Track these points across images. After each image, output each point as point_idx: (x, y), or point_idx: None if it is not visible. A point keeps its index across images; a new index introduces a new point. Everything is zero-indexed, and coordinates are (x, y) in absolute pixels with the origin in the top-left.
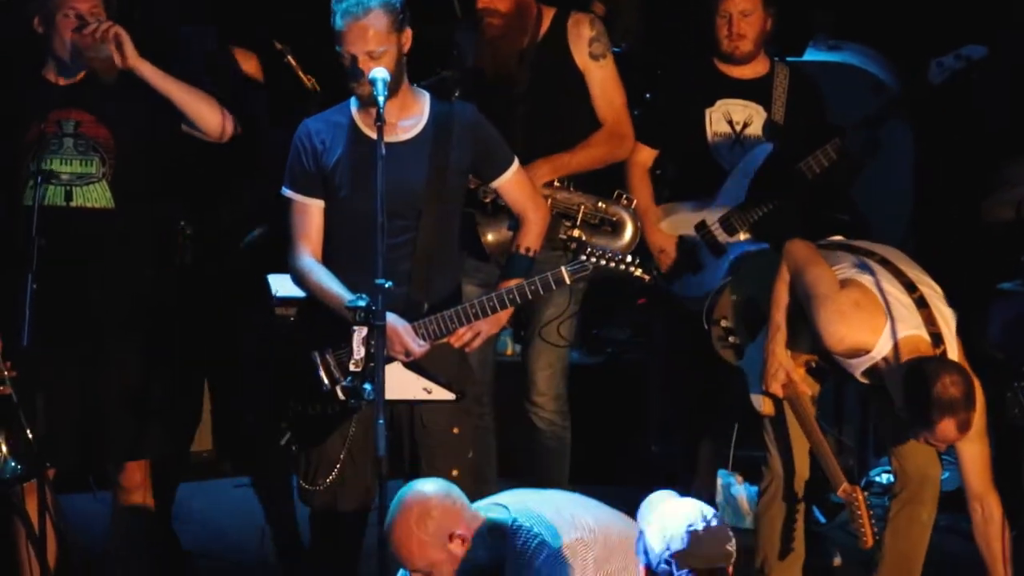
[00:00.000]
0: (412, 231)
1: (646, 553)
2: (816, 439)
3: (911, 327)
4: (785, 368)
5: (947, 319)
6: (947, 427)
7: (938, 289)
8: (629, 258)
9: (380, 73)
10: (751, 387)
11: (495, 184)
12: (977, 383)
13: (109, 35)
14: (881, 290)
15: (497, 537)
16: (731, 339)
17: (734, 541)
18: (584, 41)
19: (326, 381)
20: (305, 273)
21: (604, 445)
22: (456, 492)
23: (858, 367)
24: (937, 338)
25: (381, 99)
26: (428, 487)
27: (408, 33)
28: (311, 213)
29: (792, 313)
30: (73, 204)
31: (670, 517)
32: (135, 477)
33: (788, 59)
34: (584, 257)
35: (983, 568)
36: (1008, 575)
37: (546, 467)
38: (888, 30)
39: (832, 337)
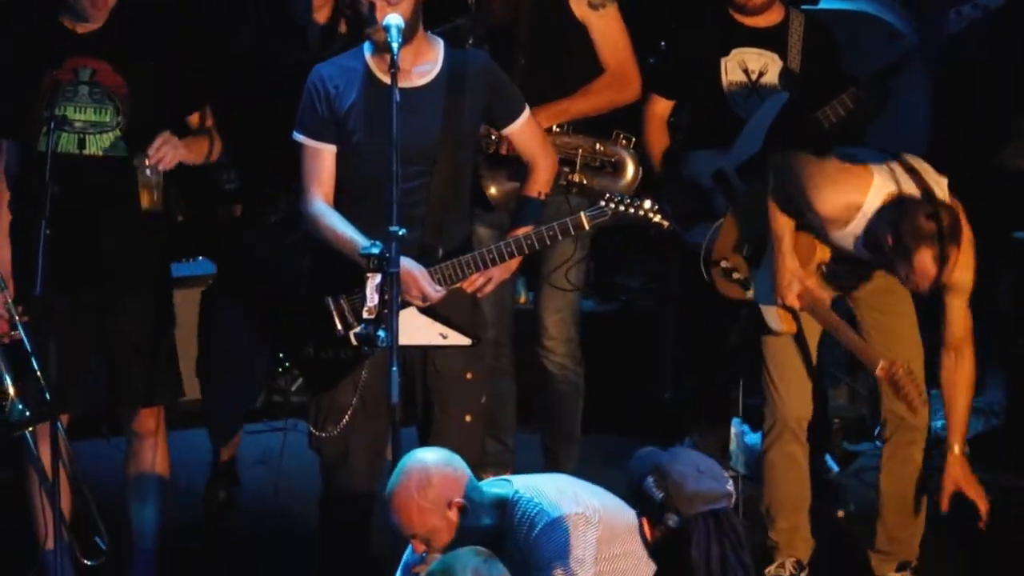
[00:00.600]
0: (426, 177)
1: (647, 502)
2: (847, 336)
3: (900, 183)
4: (797, 277)
5: (939, 182)
6: (924, 258)
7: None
8: (648, 204)
9: (394, 20)
10: (766, 314)
11: (507, 131)
12: (968, 232)
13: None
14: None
15: (500, 509)
16: (734, 276)
17: (731, 483)
18: None
19: (339, 327)
20: (317, 218)
21: (617, 392)
22: (458, 461)
23: (854, 232)
24: (928, 195)
25: (395, 45)
26: (430, 455)
27: None
28: (323, 158)
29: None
30: (86, 152)
31: (665, 466)
32: (149, 423)
33: (803, 7)
34: (603, 203)
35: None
36: (964, 425)
37: (559, 412)
38: None
39: (825, 203)
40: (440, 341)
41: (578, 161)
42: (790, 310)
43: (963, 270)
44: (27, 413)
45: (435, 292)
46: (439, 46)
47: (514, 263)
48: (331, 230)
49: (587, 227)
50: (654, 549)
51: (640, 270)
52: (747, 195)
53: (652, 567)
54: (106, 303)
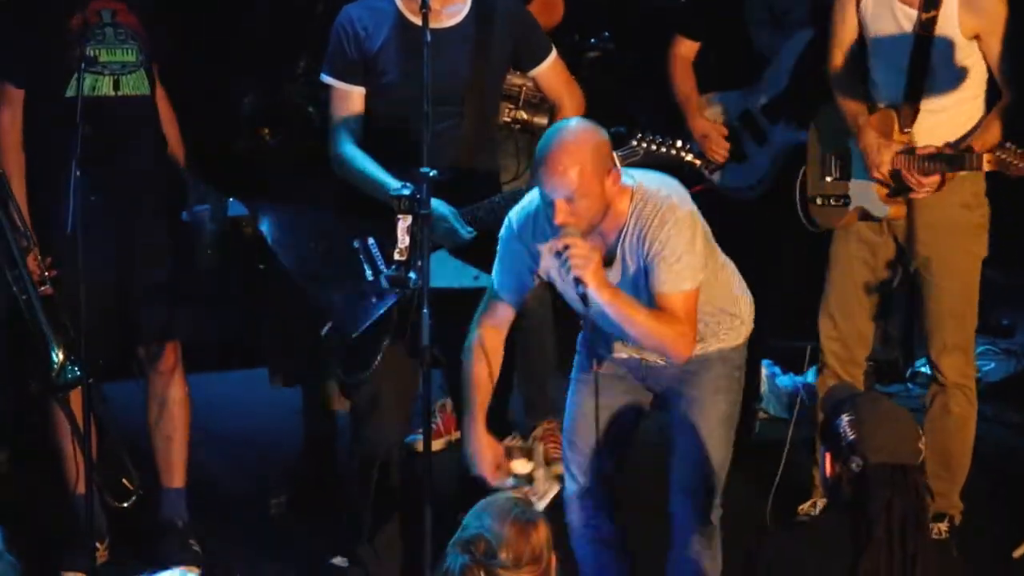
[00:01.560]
0: (456, 118)
1: (836, 440)
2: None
3: None
4: (883, 144)
5: None
6: None
7: None
8: (680, 143)
9: None
10: (869, 204)
11: (533, 72)
12: None
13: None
14: None
15: (627, 197)
16: (832, 202)
17: (923, 440)
18: None
19: (369, 270)
20: (347, 160)
21: None
22: None
23: None
24: None
25: None
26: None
27: None
28: (353, 100)
29: None
30: (121, 92)
31: (863, 408)
32: (169, 360)
33: None
34: (634, 142)
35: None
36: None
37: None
38: None
39: None
40: (473, 283)
41: (520, 98)
42: (895, 190)
43: None
44: (78, 373)
45: (467, 233)
46: None
47: None
48: (360, 172)
49: (618, 166)
50: (830, 483)
51: None
52: (818, 120)
53: None
54: (128, 242)
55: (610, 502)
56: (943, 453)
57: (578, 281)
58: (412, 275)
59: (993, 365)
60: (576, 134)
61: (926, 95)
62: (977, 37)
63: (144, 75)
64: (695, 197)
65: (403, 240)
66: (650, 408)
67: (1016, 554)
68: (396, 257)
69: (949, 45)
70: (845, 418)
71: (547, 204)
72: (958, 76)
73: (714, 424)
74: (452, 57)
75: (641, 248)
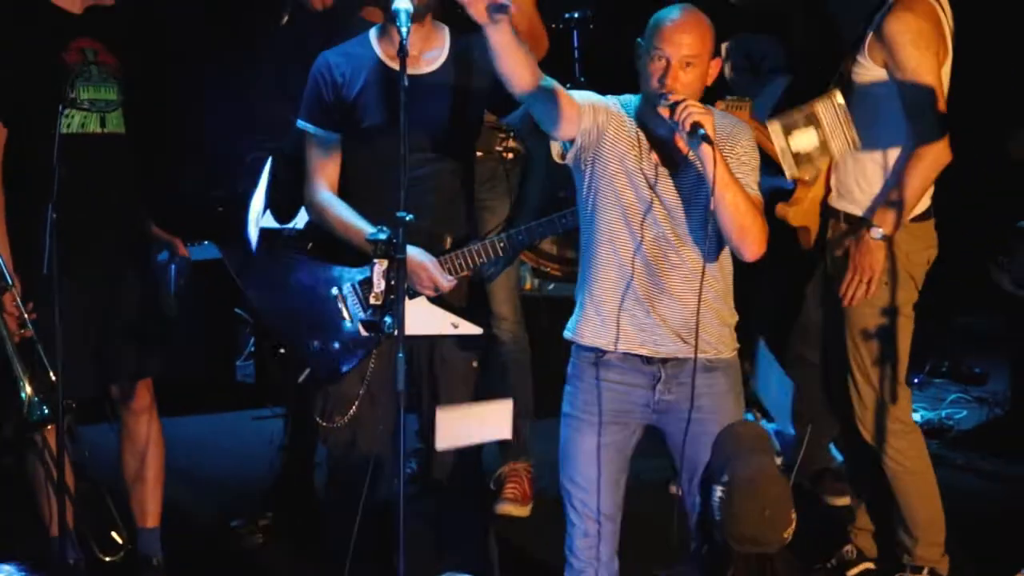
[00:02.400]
0: (436, 164)
1: (707, 506)
2: None
3: None
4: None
5: None
6: None
7: None
8: None
9: (403, 4)
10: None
11: (510, 118)
12: None
13: None
14: None
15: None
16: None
17: (793, 525)
18: None
19: (347, 317)
20: (325, 207)
21: None
22: None
23: None
24: None
25: (404, 30)
26: None
27: None
28: (330, 147)
29: None
30: (107, 130)
31: (738, 487)
32: (143, 399)
33: None
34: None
35: None
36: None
37: (515, 382)
38: None
39: None
40: (452, 331)
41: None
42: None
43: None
44: (47, 412)
45: (447, 282)
46: (444, 31)
47: None
48: (338, 219)
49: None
50: (696, 537)
51: None
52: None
53: None
54: (103, 279)
55: (614, 539)
56: (898, 509)
57: (696, 127)
58: (387, 319)
59: (965, 413)
60: (697, 10)
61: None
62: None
63: (122, 115)
64: None
65: (378, 285)
66: (641, 437)
67: None
68: (371, 302)
69: (863, 73)
70: (718, 492)
71: (660, 65)
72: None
73: None
74: (431, 103)
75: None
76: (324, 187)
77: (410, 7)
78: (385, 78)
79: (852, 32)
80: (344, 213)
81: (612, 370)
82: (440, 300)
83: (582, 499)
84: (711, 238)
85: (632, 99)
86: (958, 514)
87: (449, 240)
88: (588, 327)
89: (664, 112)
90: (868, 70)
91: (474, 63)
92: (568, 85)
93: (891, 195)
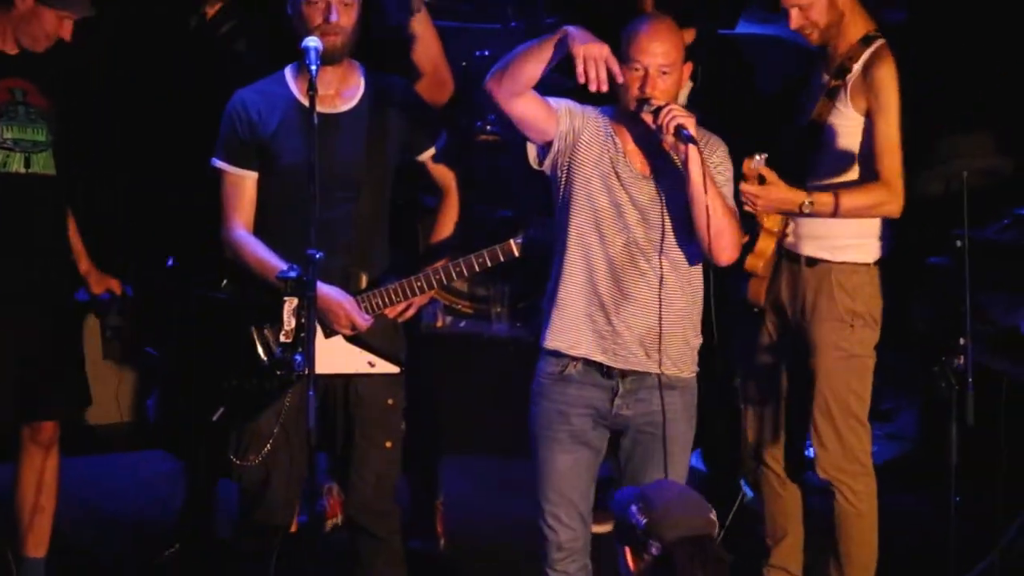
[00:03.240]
0: (351, 203)
1: (630, 531)
2: None
3: None
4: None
5: None
6: None
7: None
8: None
9: (313, 42)
10: None
11: (422, 158)
12: None
13: None
14: None
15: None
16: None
17: (714, 512)
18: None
19: (263, 356)
20: (240, 245)
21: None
22: None
23: None
24: None
25: (313, 68)
26: None
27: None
28: (245, 185)
29: None
30: (31, 170)
31: (650, 494)
32: (49, 432)
33: (720, 31)
34: (532, 230)
35: None
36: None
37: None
38: None
39: None
40: (368, 369)
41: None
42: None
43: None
44: None
45: (363, 320)
46: (360, 71)
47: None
48: (254, 257)
49: (517, 255)
50: None
51: None
52: None
53: None
54: (22, 318)
55: (587, 549)
56: (835, 549)
57: (680, 128)
58: (297, 357)
59: (875, 449)
60: (668, 18)
61: (815, 168)
62: (867, 114)
63: (51, 156)
64: None
65: (289, 322)
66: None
67: None
68: (282, 339)
69: (839, 119)
70: (634, 507)
71: (637, 76)
72: (841, 153)
73: (683, 455)
74: (348, 141)
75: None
76: (239, 225)
77: (320, 45)
78: (300, 116)
79: (769, 81)
80: (259, 251)
81: (572, 385)
82: (357, 339)
83: (554, 514)
84: (682, 248)
85: (606, 108)
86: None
87: (364, 279)
88: (551, 331)
89: (647, 118)
90: (848, 117)
91: (390, 102)
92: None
93: (841, 193)
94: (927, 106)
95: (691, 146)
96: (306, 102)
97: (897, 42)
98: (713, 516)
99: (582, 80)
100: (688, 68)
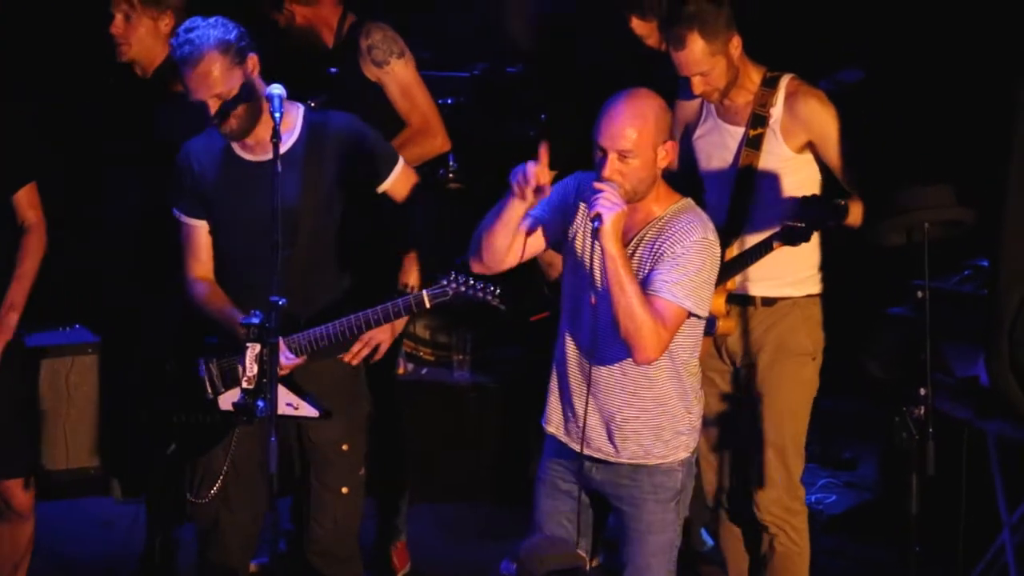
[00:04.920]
0: (289, 247)
1: None
2: None
3: None
4: None
5: None
6: None
7: None
8: (490, 287)
9: (277, 89)
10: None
11: (382, 189)
12: None
13: None
14: None
15: (668, 202)
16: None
17: (583, 549)
18: (364, 52)
19: (209, 390)
20: (196, 294)
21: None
22: None
23: None
24: None
25: (277, 116)
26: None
27: (253, 59)
28: (198, 234)
29: None
30: None
31: (520, 547)
32: (20, 499)
33: None
34: (444, 282)
35: None
36: None
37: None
38: (766, 54)
39: None
40: (289, 412)
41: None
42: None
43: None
44: None
45: (286, 360)
46: (298, 113)
47: (398, 326)
48: (208, 305)
49: (428, 306)
50: None
51: (518, 338)
52: None
53: None
54: None
55: None
56: None
57: (597, 218)
58: (260, 403)
59: (835, 498)
60: (643, 95)
61: (750, 217)
62: (811, 146)
63: None
64: (538, 323)
65: (251, 368)
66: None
67: None
68: (244, 385)
69: (775, 163)
70: (506, 561)
71: (600, 157)
72: (783, 196)
73: (651, 534)
74: (280, 187)
75: (654, 247)
76: (195, 273)
77: (283, 92)
78: (233, 167)
79: None
80: (214, 300)
81: (554, 442)
82: (290, 380)
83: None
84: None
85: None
86: None
87: (303, 320)
88: (547, 401)
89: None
90: (781, 159)
91: (327, 142)
92: None
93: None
94: (888, 157)
95: (603, 240)
96: (240, 152)
97: (854, 98)
98: (581, 552)
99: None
100: (670, 147)
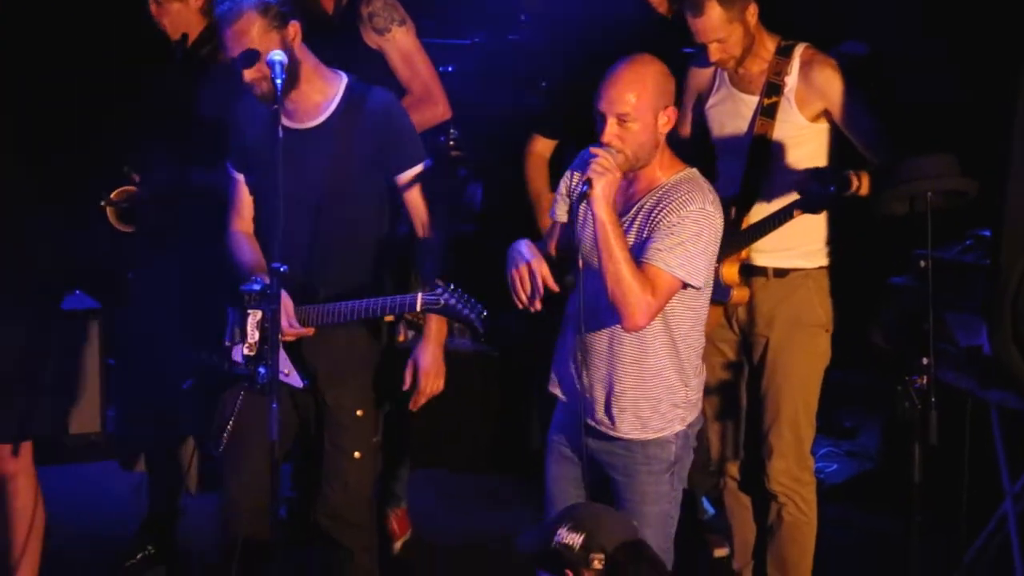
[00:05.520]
0: (313, 217)
1: (567, 553)
2: None
3: None
4: None
5: None
6: None
7: None
8: (480, 307)
9: (278, 56)
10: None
11: (397, 178)
12: None
13: None
14: None
15: (672, 169)
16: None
17: None
18: (365, 19)
19: (228, 336)
20: (230, 244)
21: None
22: None
23: None
24: None
25: (279, 82)
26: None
27: (295, 27)
28: (240, 188)
29: None
30: None
31: (574, 513)
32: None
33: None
34: (440, 290)
35: None
36: None
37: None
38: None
39: None
40: (280, 378)
41: None
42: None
43: None
44: None
45: (290, 327)
46: (340, 84)
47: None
48: (237, 255)
49: (419, 309)
50: None
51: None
52: None
53: None
54: None
55: None
56: (779, 558)
57: (587, 183)
58: (261, 370)
59: (836, 467)
60: (643, 60)
61: (764, 186)
62: (826, 115)
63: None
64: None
65: (252, 335)
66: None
67: None
68: (245, 352)
69: (789, 131)
70: (563, 529)
71: (599, 122)
72: (798, 165)
73: (644, 505)
74: (307, 157)
75: (652, 215)
76: (233, 224)
77: (284, 58)
78: (270, 127)
79: None
80: (237, 254)
81: (560, 407)
82: (294, 348)
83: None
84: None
85: None
86: (829, 568)
87: (321, 293)
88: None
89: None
90: (796, 127)
91: (363, 118)
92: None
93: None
94: (891, 127)
95: (593, 202)
96: (282, 117)
97: (861, 70)
98: (635, 523)
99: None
100: (671, 112)
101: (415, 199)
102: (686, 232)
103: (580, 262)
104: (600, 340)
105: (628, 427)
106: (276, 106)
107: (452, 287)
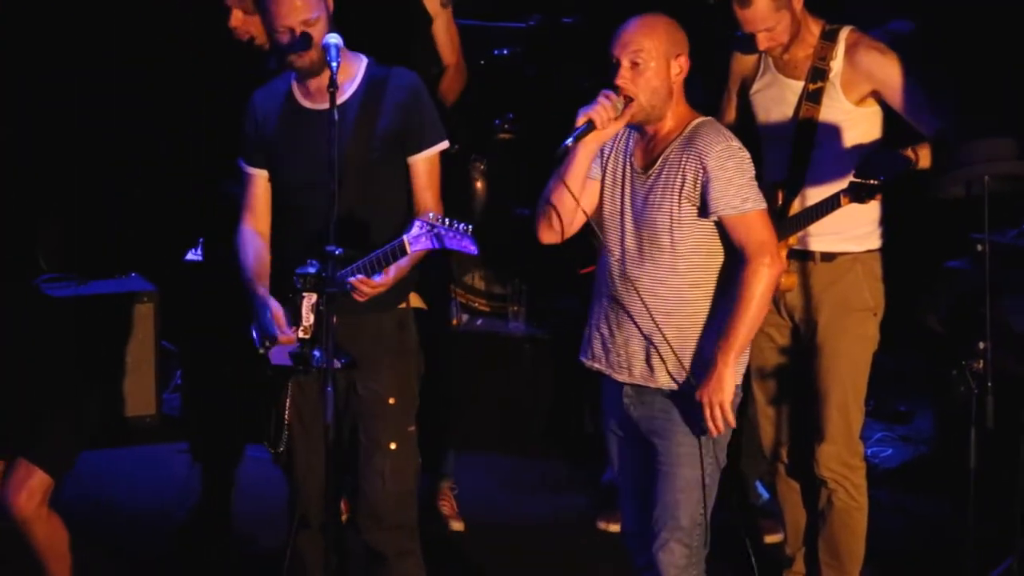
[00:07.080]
0: (331, 195)
1: None
2: None
3: None
4: None
5: None
6: None
7: None
8: (463, 224)
9: (334, 39)
10: None
11: (411, 158)
12: None
13: None
14: None
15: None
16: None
17: None
18: None
19: (258, 344)
20: (240, 244)
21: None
22: None
23: None
24: None
25: (335, 64)
26: None
27: (330, 3)
28: (255, 183)
29: None
30: None
31: None
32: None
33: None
34: (419, 223)
35: None
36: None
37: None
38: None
39: None
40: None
41: None
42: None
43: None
44: None
45: (280, 335)
46: (360, 64)
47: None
48: (241, 255)
49: (409, 252)
50: None
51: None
52: None
53: None
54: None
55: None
56: (831, 543)
57: (588, 123)
58: (316, 353)
59: (890, 451)
60: (656, 14)
61: (811, 171)
62: (876, 96)
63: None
64: (590, 275)
65: (307, 318)
66: None
67: None
68: (300, 335)
69: (836, 116)
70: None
71: (613, 67)
72: (845, 150)
73: (680, 467)
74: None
75: (686, 159)
76: (247, 223)
77: (340, 41)
78: (293, 114)
79: None
80: (243, 255)
81: (604, 385)
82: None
83: (621, 503)
84: (669, 254)
85: None
86: (883, 553)
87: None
88: (586, 334)
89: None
90: (843, 112)
91: (385, 97)
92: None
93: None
94: (949, 110)
95: (575, 143)
96: (301, 100)
97: (909, 48)
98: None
99: None
100: (682, 63)
101: (421, 179)
102: (726, 171)
103: (606, 222)
104: (635, 294)
105: (668, 379)
106: (332, 88)
107: (433, 216)
